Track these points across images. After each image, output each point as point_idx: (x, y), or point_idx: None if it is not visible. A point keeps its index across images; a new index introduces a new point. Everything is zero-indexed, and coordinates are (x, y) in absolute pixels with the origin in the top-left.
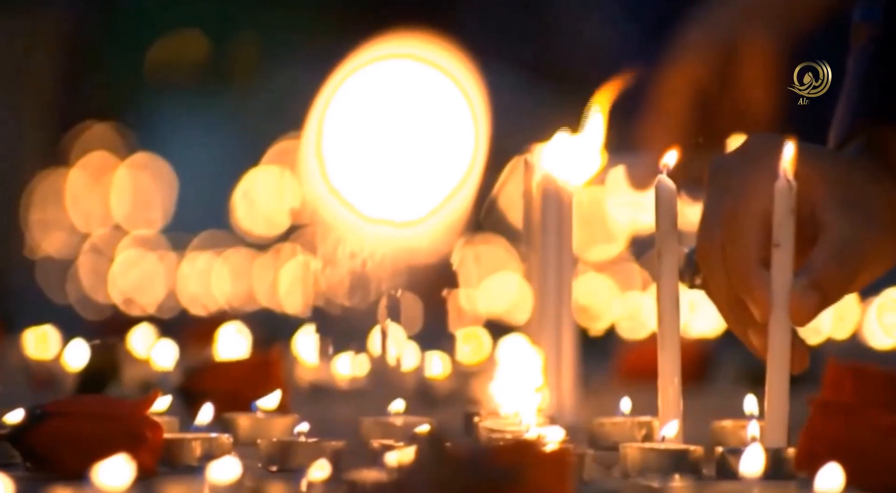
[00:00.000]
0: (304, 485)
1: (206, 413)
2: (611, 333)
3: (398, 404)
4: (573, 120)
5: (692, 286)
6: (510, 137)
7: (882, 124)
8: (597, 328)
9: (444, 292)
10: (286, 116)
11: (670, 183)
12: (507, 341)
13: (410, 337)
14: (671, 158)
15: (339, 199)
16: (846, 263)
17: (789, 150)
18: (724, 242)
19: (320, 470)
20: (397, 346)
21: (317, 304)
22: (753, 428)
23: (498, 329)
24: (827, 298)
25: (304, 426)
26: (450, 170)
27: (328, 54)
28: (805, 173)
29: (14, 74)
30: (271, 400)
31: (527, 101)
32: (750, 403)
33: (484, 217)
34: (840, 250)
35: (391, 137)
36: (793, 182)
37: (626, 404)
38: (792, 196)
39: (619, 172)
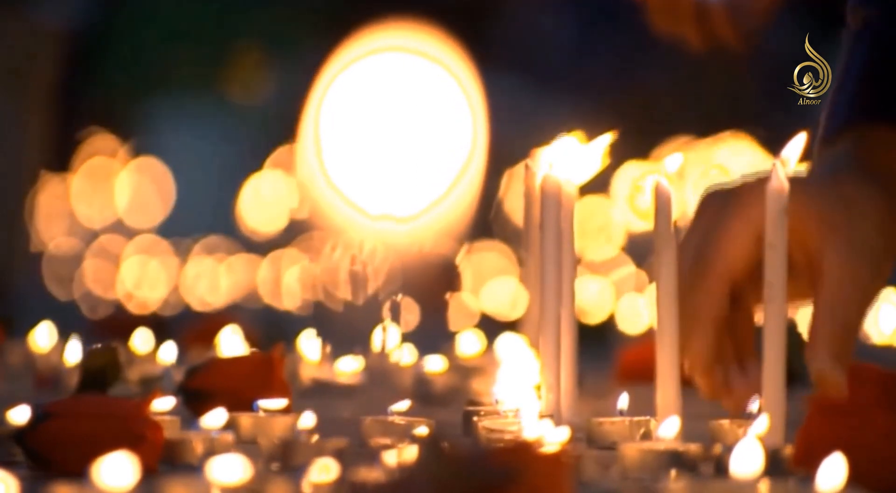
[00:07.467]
0: (305, 485)
1: (216, 418)
2: (609, 332)
3: (402, 405)
4: (574, 123)
5: None
6: (512, 138)
7: (877, 124)
8: (594, 321)
9: (447, 296)
10: (286, 119)
11: (668, 185)
12: (505, 339)
13: (408, 338)
14: (675, 162)
15: (340, 197)
16: (853, 318)
17: (796, 146)
18: (682, 291)
19: (322, 469)
20: (396, 344)
21: (318, 304)
22: (757, 426)
23: (494, 327)
24: (847, 357)
25: (309, 420)
26: (449, 166)
27: (323, 52)
28: (796, 215)
29: (16, 78)
30: (276, 404)
31: (527, 101)
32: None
33: (491, 220)
34: (844, 307)
35: (390, 132)
36: (786, 183)
37: (623, 399)
38: (784, 198)
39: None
